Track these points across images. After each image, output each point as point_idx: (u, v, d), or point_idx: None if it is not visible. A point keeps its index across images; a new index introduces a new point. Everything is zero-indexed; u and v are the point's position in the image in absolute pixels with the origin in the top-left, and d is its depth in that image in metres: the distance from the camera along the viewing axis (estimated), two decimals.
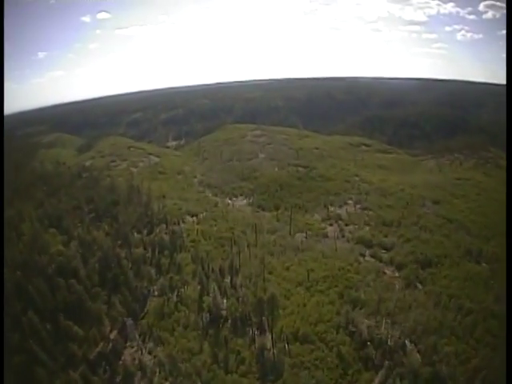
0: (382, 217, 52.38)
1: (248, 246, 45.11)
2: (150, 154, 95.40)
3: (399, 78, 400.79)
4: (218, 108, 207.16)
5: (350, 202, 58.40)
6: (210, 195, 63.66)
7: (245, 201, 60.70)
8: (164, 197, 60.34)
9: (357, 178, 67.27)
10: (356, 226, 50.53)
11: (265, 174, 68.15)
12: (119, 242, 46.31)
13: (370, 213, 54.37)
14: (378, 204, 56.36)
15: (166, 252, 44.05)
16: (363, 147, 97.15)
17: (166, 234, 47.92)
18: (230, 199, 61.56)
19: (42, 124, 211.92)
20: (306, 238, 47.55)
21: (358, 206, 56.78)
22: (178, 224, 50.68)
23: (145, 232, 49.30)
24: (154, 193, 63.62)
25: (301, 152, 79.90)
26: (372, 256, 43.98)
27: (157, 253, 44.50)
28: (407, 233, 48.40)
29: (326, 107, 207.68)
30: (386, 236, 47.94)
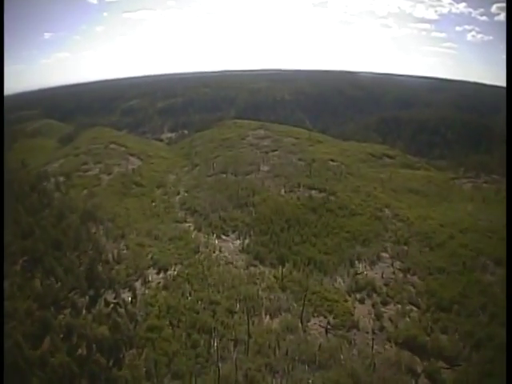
0: (434, 291, 33.97)
1: (235, 347, 27.71)
2: (132, 154, 77.65)
3: (408, 76, 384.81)
4: (220, 98, 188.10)
5: (384, 255, 39.94)
6: (192, 228, 45.45)
7: (237, 242, 42.23)
8: (123, 237, 42.75)
9: (388, 212, 49.27)
10: (399, 307, 32.61)
11: (267, 199, 49.91)
12: (37, 328, 29.07)
13: (416, 280, 36.10)
14: (425, 263, 38.16)
15: (104, 361, 26.13)
16: (386, 159, 79.19)
17: (113, 308, 30.63)
18: (218, 238, 43.34)
19: (36, 107, 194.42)
20: (327, 331, 29.82)
21: (398, 264, 38.55)
22: (134, 291, 33.38)
23: (83, 303, 31.76)
24: (118, 222, 46.14)
25: (314, 166, 61.91)
26: (430, 379, 25.85)
27: (94, 351, 27.13)
28: (476, 329, 29.57)
29: (335, 103, 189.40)
30: (444, 331, 29.53)
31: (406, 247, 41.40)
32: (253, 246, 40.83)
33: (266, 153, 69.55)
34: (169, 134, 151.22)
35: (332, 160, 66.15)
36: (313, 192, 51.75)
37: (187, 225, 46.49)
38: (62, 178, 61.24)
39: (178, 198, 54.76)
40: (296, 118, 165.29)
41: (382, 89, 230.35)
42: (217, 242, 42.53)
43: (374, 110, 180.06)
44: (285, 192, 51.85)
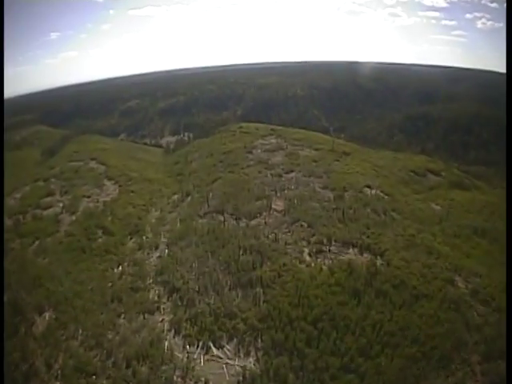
0: None
1: None
2: (111, 178, 60.23)
3: (421, 65, 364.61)
4: (226, 96, 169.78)
5: None
6: (166, 328, 28.20)
7: (236, 363, 24.62)
8: (61, 350, 25.37)
9: (462, 285, 30.96)
10: None
11: (282, 271, 31.04)
12: None
13: None
14: None
15: None
16: (431, 176, 60.58)
17: None
18: (205, 351, 25.80)
19: (33, 111, 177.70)
20: None
21: None
22: None
23: None
24: (61, 313, 28.50)
25: (346, 198, 43.85)
26: None
27: None
28: None
29: (351, 97, 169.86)
30: None
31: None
32: (260, 376, 23.23)
33: (279, 176, 51.77)
34: (169, 138, 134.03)
35: (368, 186, 48.09)
36: (351, 252, 33.88)
37: (159, 319, 28.99)
38: (12, 221, 45.41)
39: (154, 257, 37.02)
40: (310, 116, 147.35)
41: (399, 80, 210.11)
42: (202, 360, 25.04)
43: (393, 105, 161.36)
44: (309, 255, 33.49)
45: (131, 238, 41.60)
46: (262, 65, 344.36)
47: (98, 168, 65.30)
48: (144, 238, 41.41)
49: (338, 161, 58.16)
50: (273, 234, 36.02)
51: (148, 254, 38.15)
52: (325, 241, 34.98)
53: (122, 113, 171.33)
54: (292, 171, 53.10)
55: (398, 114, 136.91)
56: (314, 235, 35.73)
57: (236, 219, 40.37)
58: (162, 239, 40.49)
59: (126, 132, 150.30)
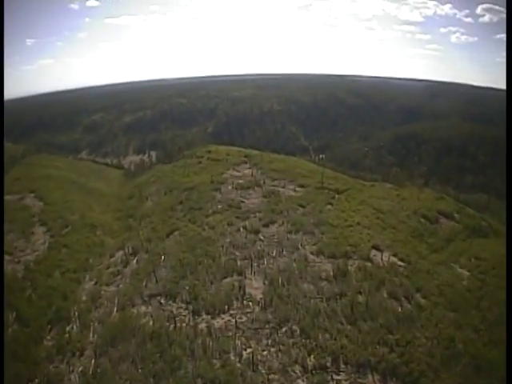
0: None
1: None
2: (44, 222, 46.58)
3: (399, 78, 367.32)
4: (196, 110, 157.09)
5: None
6: None
7: None
8: None
9: None
10: None
11: None
12: None
13: None
14: None
15: None
16: (444, 222, 48.47)
17: None
18: None
19: None
20: None
21: None
22: None
23: None
24: None
25: (352, 273, 31.81)
26: None
27: None
28: None
29: (332, 113, 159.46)
30: None
31: None
32: None
33: (256, 232, 38.84)
34: (133, 157, 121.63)
35: (377, 248, 36.18)
36: (370, 383, 21.64)
37: None
38: None
39: (75, 372, 23.17)
40: (288, 134, 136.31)
41: (381, 95, 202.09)
42: None
43: (377, 121, 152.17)
44: None
45: (50, 331, 28.30)
46: (236, 77, 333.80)
47: (34, 206, 51.80)
48: (67, 331, 28.15)
49: (330, 204, 46.13)
50: (248, 351, 23.16)
51: (68, 363, 24.83)
52: (329, 363, 22.40)
53: (85, 127, 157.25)
54: (273, 223, 40.55)
55: (384, 132, 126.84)
56: (311, 352, 23.02)
57: (193, 314, 27.36)
58: (91, 338, 27.19)
59: (88, 148, 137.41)
